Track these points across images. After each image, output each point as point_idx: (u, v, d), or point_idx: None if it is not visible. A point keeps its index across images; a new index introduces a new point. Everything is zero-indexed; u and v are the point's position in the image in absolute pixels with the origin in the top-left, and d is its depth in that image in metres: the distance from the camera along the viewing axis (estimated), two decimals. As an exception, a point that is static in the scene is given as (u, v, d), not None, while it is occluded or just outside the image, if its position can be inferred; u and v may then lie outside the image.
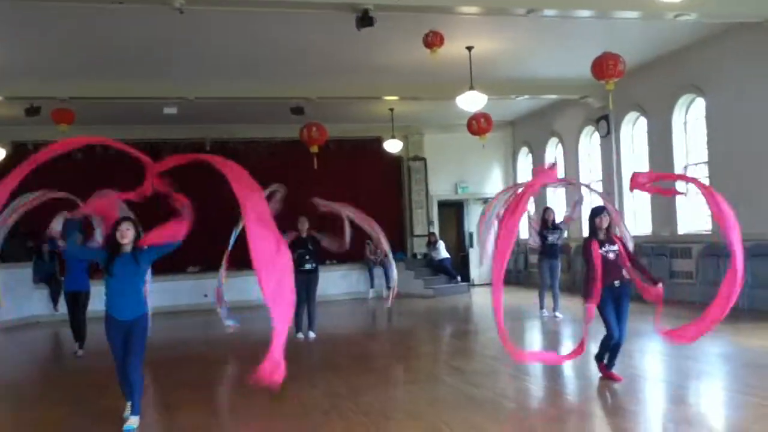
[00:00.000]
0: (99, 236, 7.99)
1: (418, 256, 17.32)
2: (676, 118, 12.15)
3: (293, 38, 10.08)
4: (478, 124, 12.06)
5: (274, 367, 4.56)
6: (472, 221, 18.51)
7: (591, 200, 10.21)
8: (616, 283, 6.10)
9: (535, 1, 8.80)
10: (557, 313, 10.54)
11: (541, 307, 10.81)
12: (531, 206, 11.87)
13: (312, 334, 9.67)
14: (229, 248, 8.95)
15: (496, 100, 12.64)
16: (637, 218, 13.47)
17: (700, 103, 11.71)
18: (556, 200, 15.88)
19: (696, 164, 11.92)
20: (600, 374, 6.22)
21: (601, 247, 6.07)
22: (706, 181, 11.46)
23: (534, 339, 9.64)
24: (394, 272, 10.20)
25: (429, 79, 12.31)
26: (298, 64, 11.35)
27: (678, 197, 11.38)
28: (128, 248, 5.28)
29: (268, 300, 4.61)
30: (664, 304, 6.04)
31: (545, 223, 10.69)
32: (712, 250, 10.79)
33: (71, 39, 9.73)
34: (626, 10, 9.21)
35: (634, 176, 6.14)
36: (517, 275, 17.36)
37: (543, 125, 16.50)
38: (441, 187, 17.87)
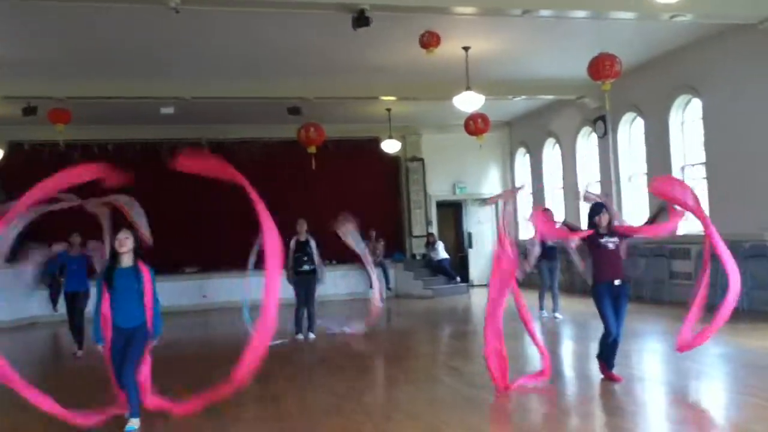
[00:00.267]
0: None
1: (417, 257, 17.32)
2: (673, 119, 12.17)
3: (290, 38, 10.08)
4: (475, 125, 12.07)
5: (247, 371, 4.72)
6: (470, 221, 18.53)
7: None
8: (616, 282, 6.12)
9: (530, 1, 8.81)
10: (557, 314, 10.55)
11: (541, 308, 10.81)
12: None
13: (312, 335, 9.68)
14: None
15: (492, 101, 12.65)
16: (635, 220, 13.47)
17: (696, 104, 11.72)
18: (555, 203, 15.92)
19: (693, 165, 11.94)
20: (600, 375, 6.23)
21: (600, 238, 6.12)
22: (704, 183, 11.49)
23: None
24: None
25: (426, 79, 12.31)
26: (295, 64, 11.34)
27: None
28: (128, 259, 5.29)
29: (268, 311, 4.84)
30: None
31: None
32: (711, 251, 10.79)
33: (68, 38, 9.71)
34: (622, 11, 9.22)
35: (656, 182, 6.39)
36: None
37: (540, 125, 16.51)
38: (439, 188, 17.88)
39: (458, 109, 11.64)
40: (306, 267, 9.69)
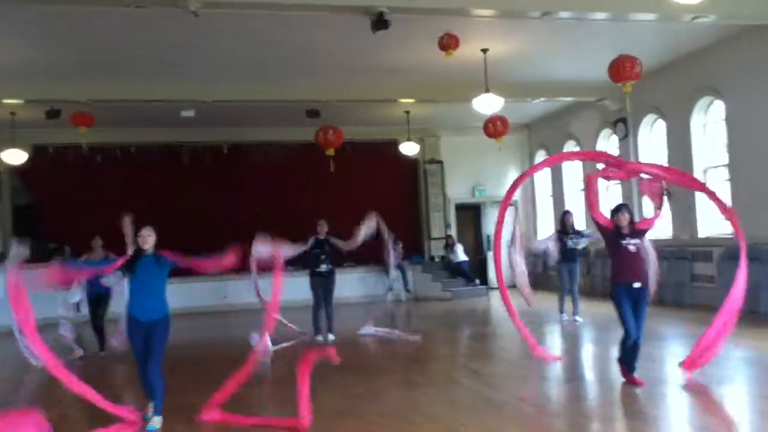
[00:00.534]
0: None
1: (436, 259, 17.30)
2: (695, 121, 12.04)
3: (310, 41, 10.13)
4: (494, 127, 12.04)
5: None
6: (489, 224, 18.45)
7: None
8: (636, 285, 6.07)
9: (550, 3, 8.75)
10: (577, 317, 10.48)
11: (561, 311, 10.75)
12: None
13: (331, 336, 9.71)
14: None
15: (512, 103, 12.61)
16: (657, 221, 13.35)
17: (719, 106, 11.59)
18: (575, 204, 15.82)
19: (716, 167, 11.80)
20: (622, 378, 6.18)
21: (621, 239, 6.08)
22: (727, 185, 11.36)
23: (554, 343, 9.59)
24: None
25: (444, 81, 12.30)
26: (315, 67, 11.39)
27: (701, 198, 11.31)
28: (150, 252, 5.38)
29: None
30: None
31: (564, 227, 10.66)
32: (734, 254, 10.65)
33: (91, 43, 9.84)
34: (643, 12, 9.14)
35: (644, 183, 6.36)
36: (535, 279, 17.26)
37: (559, 128, 16.42)
38: (458, 190, 17.84)
39: (477, 112, 11.61)
40: (324, 267, 9.73)
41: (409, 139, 15.66)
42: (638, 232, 6.23)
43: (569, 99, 14.49)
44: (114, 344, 8.25)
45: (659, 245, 11.91)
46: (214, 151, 16.06)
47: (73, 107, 11.97)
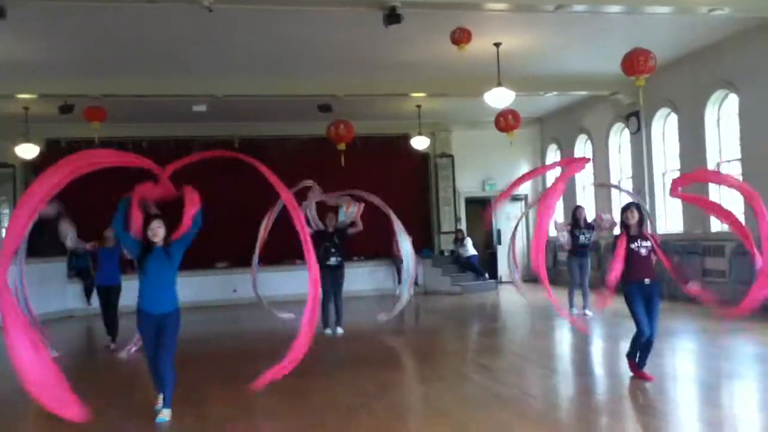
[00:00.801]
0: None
1: (446, 253, 17.29)
2: (709, 115, 11.93)
3: (321, 36, 10.12)
4: (505, 121, 12.00)
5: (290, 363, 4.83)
6: (500, 218, 18.43)
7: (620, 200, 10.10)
8: (647, 280, 6.04)
9: (564, -4, 8.70)
10: (587, 311, 10.46)
11: (571, 306, 10.72)
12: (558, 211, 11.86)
13: (339, 330, 9.73)
14: (261, 236, 9.20)
15: (524, 97, 12.55)
16: (668, 216, 13.28)
17: (733, 100, 11.49)
18: (586, 200, 15.77)
19: (729, 161, 11.71)
20: (631, 373, 6.16)
21: (632, 243, 6.04)
22: (740, 179, 11.26)
23: (563, 337, 9.58)
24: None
25: (456, 75, 12.27)
26: (326, 61, 11.39)
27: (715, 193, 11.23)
28: (160, 245, 5.39)
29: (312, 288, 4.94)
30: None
31: (576, 222, 10.62)
32: (745, 249, 10.58)
33: (103, 37, 9.89)
34: (658, 6, 9.06)
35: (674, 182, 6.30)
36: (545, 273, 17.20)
37: (571, 122, 16.34)
38: (468, 184, 17.81)
39: (489, 106, 11.57)
40: (333, 260, 9.75)
41: (420, 134, 15.64)
42: (647, 237, 6.16)
43: (582, 93, 14.40)
44: (122, 354, 8.32)
45: (671, 240, 11.90)
46: (225, 146, 16.09)
47: (86, 102, 12.05)
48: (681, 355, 7.60)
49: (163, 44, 10.27)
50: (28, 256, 11.84)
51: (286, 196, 5.38)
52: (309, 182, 9.67)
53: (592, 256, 10.94)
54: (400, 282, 15.73)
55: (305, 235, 5.09)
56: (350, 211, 9.82)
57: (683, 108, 12.52)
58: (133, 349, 8.21)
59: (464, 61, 10.52)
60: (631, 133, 14.10)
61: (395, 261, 16.07)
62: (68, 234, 8.58)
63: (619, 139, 14.90)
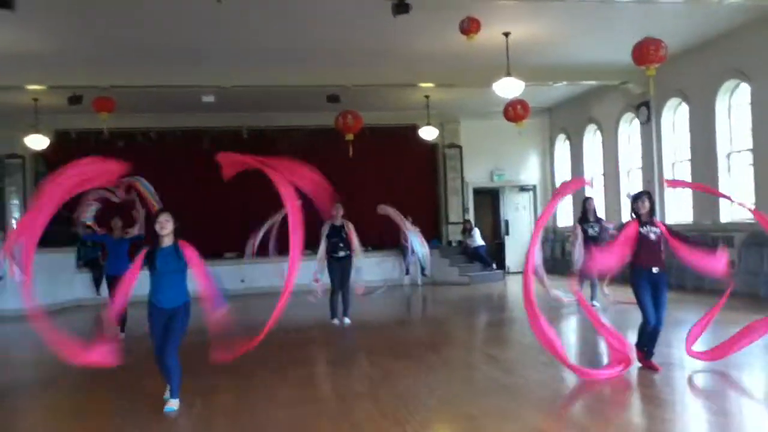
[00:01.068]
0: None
1: (453, 244, 17.29)
2: (720, 105, 11.84)
3: (329, 26, 10.10)
4: (514, 111, 11.95)
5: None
6: (507, 209, 18.40)
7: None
8: (655, 269, 6.03)
9: (574, -15, 8.65)
10: (594, 302, 10.43)
11: (578, 296, 10.69)
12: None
13: (347, 320, 9.76)
14: (260, 235, 9.24)
15: (533, 87, 12.49)
16: (678, 206, 13.21)
17: (745, 89, 11.39)
18: (596, 191, 15.69)
19: (739, 152, 11.62)
20: (639, 363, 6.15)
21: (642, 227, 6.03)
22: (750, 169, 11.19)
23: (570, 327, 9.57)
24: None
25: (465, 65, 12.22)
26: (334, 52, 11.37)
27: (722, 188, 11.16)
28: (169, 240, 5.36)
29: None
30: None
31: (585, 214, 10.56)
32: (755, 239, 10.53)
33: (112, 29, 9.91)
34: (670, -6, 9.00)
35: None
36: (553, 264, 17.19)
37: (581, 112, 16.25)
38: (476, 175, 17.78)
39: (497, 96, 11.53)
40: (341, 252, 9.75)
41: (428, 124, 15.60)
42: (660, 223, 6.17)
43: (591, 82, 14.33)
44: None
45: (680, 230, 11.83)
46: (233, 136, 16.13)
47: (95, 93, 12.09)
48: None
49: (172, 35, 10.28)
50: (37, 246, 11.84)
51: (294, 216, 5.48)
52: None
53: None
54: (408, 272, 15.77)
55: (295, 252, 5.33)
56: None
57: (694, 98, 12.43)
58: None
59: (473, 50, 10.47)
60: (641, 123, 14.02)
61: (403, 251, 16.10)
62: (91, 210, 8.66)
63: (629, 129, 14.82)
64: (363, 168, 15.79)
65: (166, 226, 5.35)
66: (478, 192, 18.02)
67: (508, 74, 10.90)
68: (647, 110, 13.59)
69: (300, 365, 6.52)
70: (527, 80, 11.41)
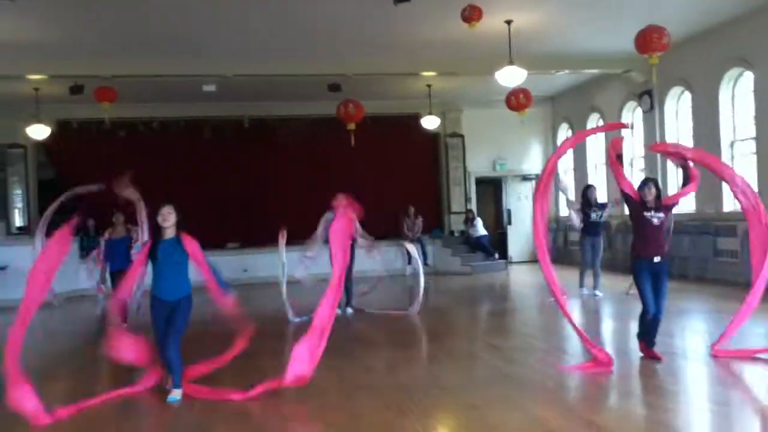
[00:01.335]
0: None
1: (456, 234, 17.28)
2: (723, 93, 11.78)
3: (330, 15, 10.04)
4: (517, 100, 11.90)
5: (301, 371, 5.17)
6: (510, 198, 18.37)
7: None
8: (656, 259, 6.03)
9: (577, -28, 8.58)
10: (597, 292, 10.43)
11: (581, 286, 10.70)
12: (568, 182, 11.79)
13: (349, 310, 9.78)
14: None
15: (535, 75, 12.43)
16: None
17: (748, 77, 11.33)
18: (598, 179, 15.67)
19: (743, 140, 11.58)
20: (641, 353, 6.16)
21: (646, 211, 6.03)
22: (753, 158, 11.15)
23: (573, 317, 9.55)
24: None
25: (467, 54, 12.15)
26: (336, 40, 11.32)
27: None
28: (171, 232, 5.38)
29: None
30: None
31: (588, 201, 10.55)
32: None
33: (113, 18, 9.86)
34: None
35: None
36: (556, 253, 17.19)
37: (584, 100, 16.19)
38: (479, 164, 17.74)
39: (500, 85, 11.47)
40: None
41: (430, 113, 15.55)
42: (664, 207, 6.16)
43: (594, 71, 14.26)
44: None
45: (683, 219, 11.82)
46: (235, 126, 16.10)
47: (97, 82, 12.06)
48: (691, 335, 7.58)
49: (174, 25, 10.24)
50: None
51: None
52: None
53: (604, 236, 10.88)
54: (410, 262, 15.77)
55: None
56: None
57: (697, 86, 12.37)
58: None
59: (475, 39, 10.42)
60: (643, 112, 13.96)
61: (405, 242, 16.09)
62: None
63: (632, 117, 14.74)
64: (365, 157, 15.76)
65: (168, 218, 5.39)
66: (481, 181, 17.99)
67: (511, 63, 10.84)
68: (650, 99, 13.52)
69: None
70: (529, 69, 11.35)
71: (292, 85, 13.96)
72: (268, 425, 4.91)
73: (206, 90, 13.74)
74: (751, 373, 5.90)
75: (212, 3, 9.05)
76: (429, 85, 14.76)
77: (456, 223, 17.41)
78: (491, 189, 18.54)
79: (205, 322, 9.69)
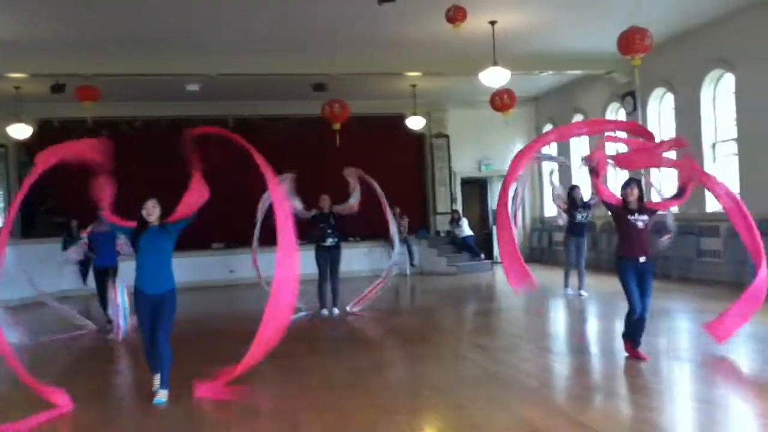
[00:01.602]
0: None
1: (441, 234, 17.31)
2: (705, 94, 11.91)
3: (315, 14, 10.02)
4: (501, 101, 11.95)
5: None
6: (495, 199, 18.39)
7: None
8: (642, 259, 6.06)
9: (561, -26, 8.63)
10: (582, 291, 10.49)
11: (566, 286, 10.77)
12: (556, 181, 11.84)
13: (336, 310, 9.75)
14: (259, 222, 9.20)
15: (519, 76, 12.50)
16: (663, 195, 13.27)
17: (729, 79, 11.45)
18: (581, 179, 15.75)
19: (724, 141, 11.70)
20: (626, 353, 6.20)
21: (630, 215, 6.06)
22: (735, 159, 11.27)
23: (558, 317, 9.63)
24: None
25: (451, 54, 12.19)
26: (320, 40, 11.30)
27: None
28: (155, 224, 5.38)
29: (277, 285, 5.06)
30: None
31: (573, 202, 10.60)
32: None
33: (96, 16, 9.77)
34: (656, -17, 9.00)
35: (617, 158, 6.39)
36: (541, 253, 17.28)
37: (567, 101, 16.30)
38: (464, 164, 17.79)
39: (484, 85, 11.51)
40: (330, 241, 9.74)
41: (415, 113, 15.57)
42: (647, 210, 6.18)
43: (577, 72, 14.36)
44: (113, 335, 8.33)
45: (666, 220, 11.90)
46: (219, 125, 15.98)
47: (78, 81, 11.94)
48: (675, 334, 7.65)
49: (157, 23, 10.16)
50: (23, 237, 11.80)
51: (271, 179, 5.39)
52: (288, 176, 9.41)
53: (588, 236, 10.95)
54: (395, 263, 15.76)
55: (284, 220, 5.21)
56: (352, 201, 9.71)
57: (679, 87, 12.49)
58: (120, 333, 8.22)
59: (459, 39, 10.45)
60: (626, 113, 14.07)
61: (391, 242, 16.10)
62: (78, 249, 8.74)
63: (615, 118, 14.84)
64: (350, 157, 15.66)
65: (153, 212, 5.38)
66: (466, 182, 18.04)
67: (495, 63, 10.89)
68: (633, 100, 13.64)
69: (288, 355, 6.49)
70: (513, 69, 11.40)
71: (277, 84, 13.92)
72: (257, 425, 4.88)
73: (190, 90, 13.66)
74: (733, 372, 5.96)
75: (197, 3, 8.99)
76: (414, 85, 14.78)
77: (442, 224, 17.45)
78: (477, 189, 18.60)
79: (199, 320, 9.67)
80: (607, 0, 9.92)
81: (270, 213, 9.27)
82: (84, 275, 13.76)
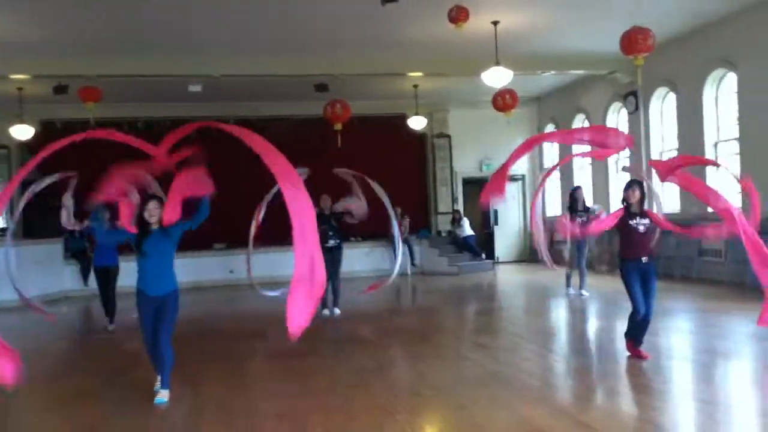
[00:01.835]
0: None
1: (443, 234, 17.31)
2: (707, 94, 11.89)
3: (318, 15, 10.03)
4: (503, 101, 11.95)
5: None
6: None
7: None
8: (644, 259, 6.06)
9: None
10: (583, 291, 10.49)
11: (568, 286, 10.77)
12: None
13: (337, 311, 9.75)
14: (260, 220, 9.15)
15: (521, 76, 12.49)
16: (665, 195, 13.27)
17: (731, 78, 11.44)
18: (584, 180, 15.75)
19: (726, 141, 11.68)
20: (627, 352, 6.19)
21: (631, 219, 6.05)
22: (737, 158, 11.25)
23: (560, 316, 9.62)
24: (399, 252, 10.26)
25: (454, 54, 12.18)
26: (323, 40, 11.30)
27: (710, 170, 11.21)
28: (156, 226, 5.36)
29: (299, 270, 4.43)
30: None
31: (575, 203, 10.58)
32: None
33: (98, 17, 9.78)
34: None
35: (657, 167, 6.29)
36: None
37: (569, 101, 16.28)
38: (465, 164, 17.78)
39: (486, 85, 11.51)
40: (331, 242, 9.73)
41: (417, 114, 15.57)
42: (647, 214, 6.17)
43: (580, 72, 14.34)
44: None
45: (667, 219, 11.88)
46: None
47: (81, 82, 11.96)
48: (677, 334, 7.64)
49: (159, 24, 10.18)
50: (24, 238, 11.79)
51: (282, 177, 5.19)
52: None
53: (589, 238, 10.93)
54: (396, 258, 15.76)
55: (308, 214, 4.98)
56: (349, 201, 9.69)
57: (681, 87, 12.47)
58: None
59: (462, 39, 10.45)
60: (628, 113, 14.06)
61: (392, 242, 16.09)
62: (67, 206, 8.54)
63: (617, 118, 14.85)
64: (351, 158, 15.68)
65: (154, 213, 5.36)
66: (467, 182, 18.02)
67: (497, 63, 10.88)
68: (635, 99, 13.62)
69: (290, 356, 6.50)
70: (516, 69, 11.40)
71: (279, 85, 13.92)
72: (259, 426, 4.88)
73: (192, 90, 13.66)
74: (734, 372, 5.96)
75: (199, 4, 9.00)
76: (416, 86, 14.77)
77: (443, 224, 17.44)
78: (478, 189, 18.46)
79: (200, 320, 9.68)
80: (609, 0, 9.91)
81: (269, 213, 9.31)
82: (85, 276, 13.78)
